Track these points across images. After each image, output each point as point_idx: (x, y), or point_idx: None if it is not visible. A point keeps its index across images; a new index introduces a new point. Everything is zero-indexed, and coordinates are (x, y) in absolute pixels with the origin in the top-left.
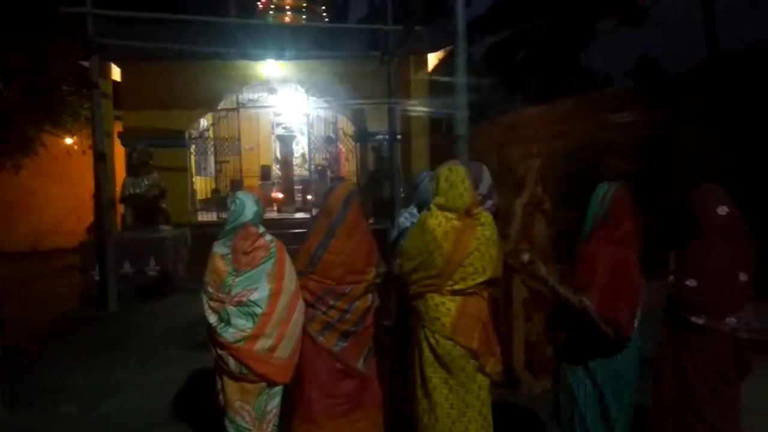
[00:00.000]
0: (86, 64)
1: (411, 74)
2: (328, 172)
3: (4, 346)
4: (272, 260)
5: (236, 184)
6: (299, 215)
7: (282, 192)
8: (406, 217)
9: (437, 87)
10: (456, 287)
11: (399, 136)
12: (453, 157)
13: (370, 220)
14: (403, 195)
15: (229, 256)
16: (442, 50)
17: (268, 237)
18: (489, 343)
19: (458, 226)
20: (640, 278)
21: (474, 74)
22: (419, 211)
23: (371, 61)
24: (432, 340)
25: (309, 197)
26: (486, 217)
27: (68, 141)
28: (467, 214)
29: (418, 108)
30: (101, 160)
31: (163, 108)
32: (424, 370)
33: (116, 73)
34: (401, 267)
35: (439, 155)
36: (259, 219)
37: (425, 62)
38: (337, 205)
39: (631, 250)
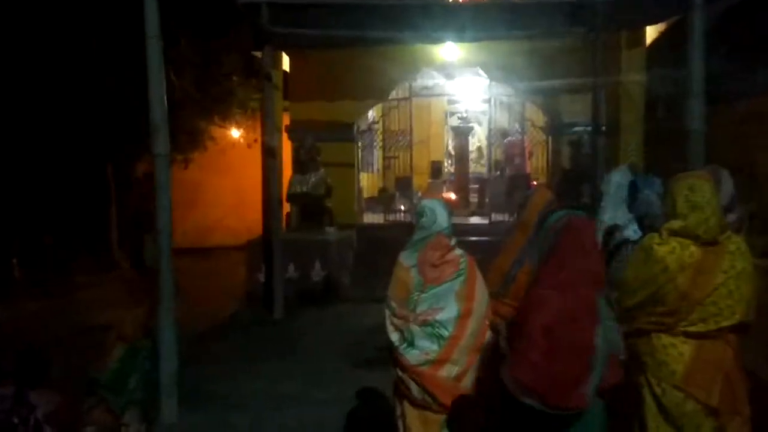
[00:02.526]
0: (258, 54)
1: (622, 53)
2: (506, 169)
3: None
4: (462, 278)
5: (403, 183)
6: (474, 220)
7: (455, 192)
8: (633, 231)
9: (656, 68)
10: (692, 329)
11: (604, 128)
12: (678, 157)
13: None
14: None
15: (416, 268)
16: (665, 22)
17: (459, 251)
18: (734, 400)
19: (698, 256)
20: (591, 334)
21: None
22: (639, 225)
23: (569, 38)
24: (657, 389)
25: (486, 199)
26: (736, 243)
27: (234, 134)
28: (712, 241)
29: (632, 94)
30: (271, 155)
31: (332, 99)
32: (645, 420)
33: (285, 63)
34: (620, 300)
35: (658, 153)
36: (452, 229)
37: (641, 37)
38: (534, 217)
39: (579, 297)
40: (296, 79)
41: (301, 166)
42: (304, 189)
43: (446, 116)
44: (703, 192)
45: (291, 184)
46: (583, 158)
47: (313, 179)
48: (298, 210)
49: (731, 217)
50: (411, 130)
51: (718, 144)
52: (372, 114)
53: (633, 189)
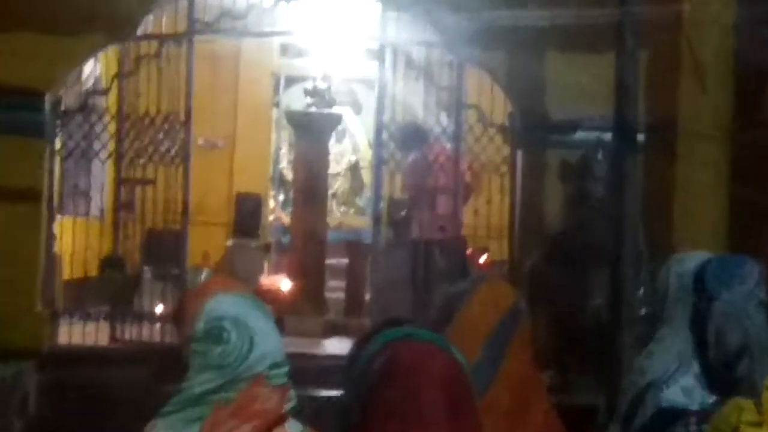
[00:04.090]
0: None
1: None
2: (414, 224)
3: None
4: None
5: (164, 245)
6: (337, 345)
7: (293, 273)
8: (679, 391)
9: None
10: None
11: (642, 137)
12: None
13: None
14: (643, 311)
15: None
16: None
17: (297, 426)
18: None
19: None
20: None
21: None
22: (710, 375)
23: None
24: None
25: (367, 296)
26: None
27: None
28: None
29: (708, 61)
30: None
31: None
32: None
33: None
34: None
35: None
36: (287, 369)
37: None
38: (476, 346)
39: None
40: None
41: None
42: None
43: (277, 86)
44: None
45: None
46: (595, 204)
47: None
48: None
49: None
50: (189, 114)
51: None
52: (94, 71)
53: (697, 288)
